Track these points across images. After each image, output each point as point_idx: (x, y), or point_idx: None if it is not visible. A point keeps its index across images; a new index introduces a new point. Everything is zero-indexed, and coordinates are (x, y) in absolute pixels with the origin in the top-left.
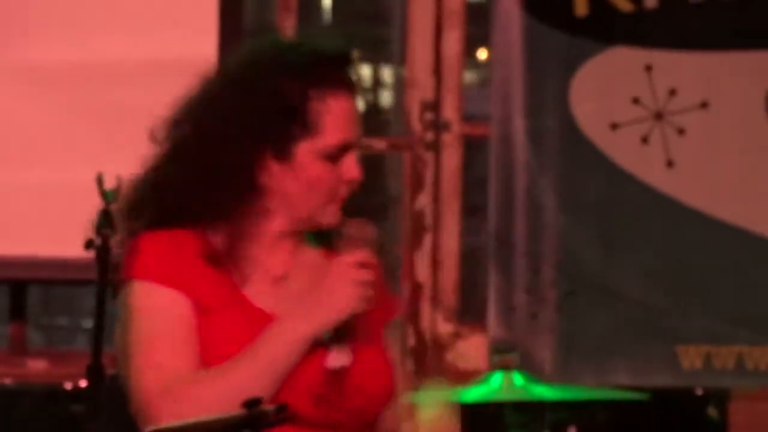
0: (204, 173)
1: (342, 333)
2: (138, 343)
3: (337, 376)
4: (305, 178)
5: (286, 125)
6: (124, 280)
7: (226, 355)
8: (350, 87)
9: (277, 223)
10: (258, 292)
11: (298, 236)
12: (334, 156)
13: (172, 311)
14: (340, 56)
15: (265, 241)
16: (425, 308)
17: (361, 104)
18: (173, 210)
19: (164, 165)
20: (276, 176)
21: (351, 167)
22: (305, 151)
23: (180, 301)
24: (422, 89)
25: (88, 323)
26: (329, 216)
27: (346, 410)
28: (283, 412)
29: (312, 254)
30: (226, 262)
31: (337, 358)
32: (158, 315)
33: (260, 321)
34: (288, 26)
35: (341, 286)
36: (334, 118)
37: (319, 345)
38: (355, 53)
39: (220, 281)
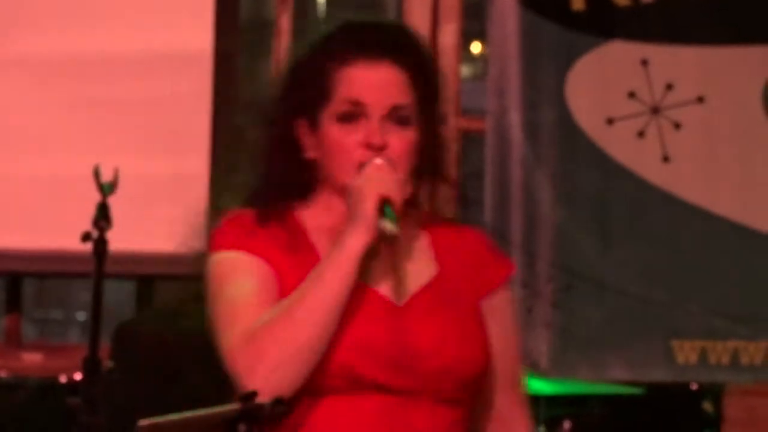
0: (265, 151)
1: (386, 216)
2: (223, 306)
3: (390, 240)
4: (326, 143)
5: (310, 96)
6: (208, 256)
7: None
8: (375, 55)
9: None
10: None
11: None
12: (346, 117)
13: (253, 273)
14: (362, 26)
15: (342, 215)
16: None
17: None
18: (258, 190)
19: (250, 148)
20: (313, 146)
21: (369, 131)
22: (325, 117)
23: (261, 264)
24: None
25: (82, 316)
26: None
27: (422, 376)
28: (279, 406)
29: (409, 233)
30: (310, 235)
31: (387, 227)
32: (240, 278)
33: None
34: (283, 19)
35: (364, 187)
36: (347, 83)
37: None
38: (395, 25)
39: (304, 252)
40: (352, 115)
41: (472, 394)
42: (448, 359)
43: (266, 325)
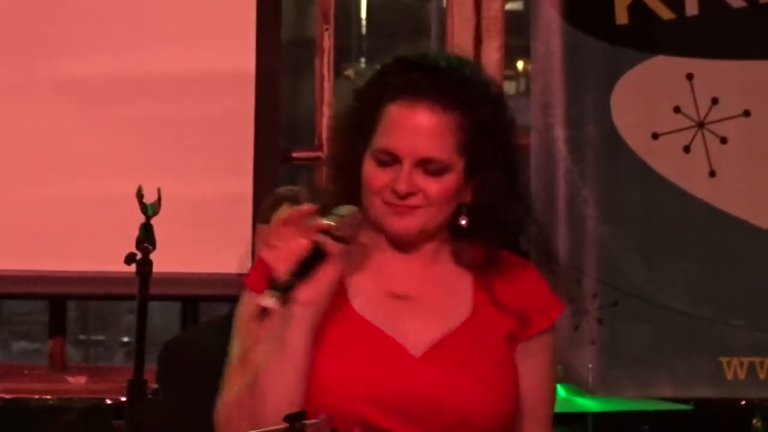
0: (327, 177)
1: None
2: (229, 365)
3: (263, 314)
4: (363, 177)
5: (358, 129)
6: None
7: (325, 366)
8: (415, 97)
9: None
10: (368, 304)
11: (430, 251)
12: (380, 161)
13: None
14: (411, 64)
15: (385, 252)
16: None
17: (448, 118)
18: None
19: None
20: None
21: (397, 178)
22: (368, 151)
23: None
24: None
25: (126, 339)
26: (387, 225)
27: (439, 428)
28: (327, 423)
29: (452, 274)
30: (345, 275)
31: (266, 300)
32: (247, 325)
33: (363, 332)
34: (325, 38)
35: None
36: (386, 123)
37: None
38: (451, 63)
39: (335, 296)
40: (387, 161)
41: None
42: (467, 412)
43: (232, 402)
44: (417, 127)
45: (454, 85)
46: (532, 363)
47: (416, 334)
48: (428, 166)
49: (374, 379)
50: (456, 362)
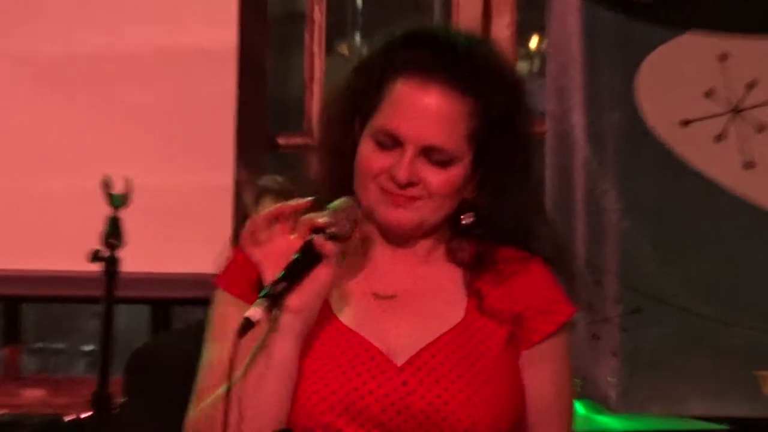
0: (317, 159)
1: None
2: (199, 371)
3: (246, 326)
4: (358, 157)
5: (357, 105)
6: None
7: (301, 375)
8: (426, 75)
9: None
10: (350, 306)
11: (425, 249)
12: (380, 143)
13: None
14: (424, 37)
15: (375, 246)
16: None
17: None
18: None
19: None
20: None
21: (397, 164)
22: (366, 129)
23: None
24: None
25: (88, 347)
26: (381, 215)
27: None
28: None
29: (446, 275)
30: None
31: (253, 312)
32: (223, 339)
33: (342, 338)
34: (316, 12)
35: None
36: (391, 101)
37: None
38: (466, 41)
39: None
40: (387, 144)
41: None
42: (452, 425)
43: (203, 414)
44: (426, 110)
45: (471, 67)
46: (539, 371)
47: (400, 340)
48: (433, 155)
49: (352, 390)
50: (441, 371)
